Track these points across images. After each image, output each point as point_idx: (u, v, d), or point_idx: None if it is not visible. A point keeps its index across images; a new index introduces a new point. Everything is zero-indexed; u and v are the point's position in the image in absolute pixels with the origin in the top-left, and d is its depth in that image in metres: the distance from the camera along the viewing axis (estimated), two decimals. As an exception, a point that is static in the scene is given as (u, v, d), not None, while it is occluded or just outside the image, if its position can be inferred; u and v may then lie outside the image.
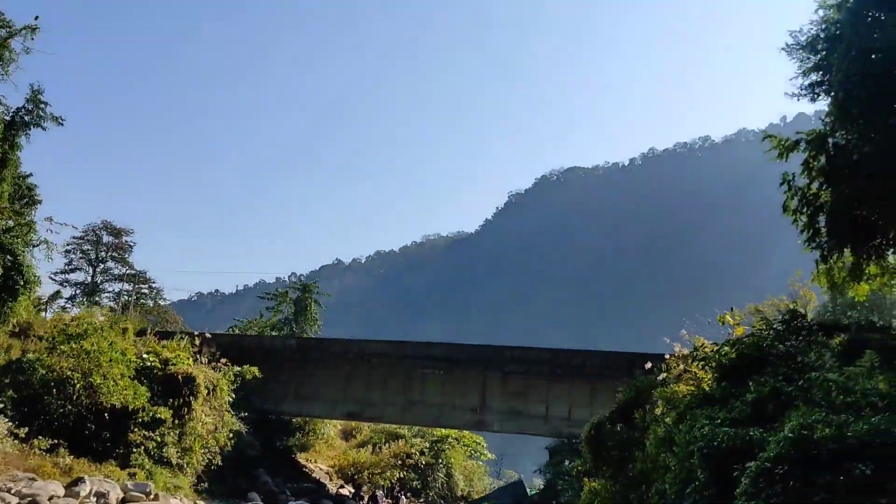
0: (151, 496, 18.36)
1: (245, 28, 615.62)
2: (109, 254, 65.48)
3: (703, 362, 13.64)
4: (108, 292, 65.72)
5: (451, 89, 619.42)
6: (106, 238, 64.74)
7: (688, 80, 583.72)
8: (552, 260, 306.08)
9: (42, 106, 33.67)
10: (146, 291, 67.14)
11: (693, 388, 12.96)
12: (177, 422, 23.39)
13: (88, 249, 64.27)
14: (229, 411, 27.10)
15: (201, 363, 28.74)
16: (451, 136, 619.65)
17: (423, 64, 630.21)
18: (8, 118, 31.94)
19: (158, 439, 22.37)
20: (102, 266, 65.58)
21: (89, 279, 64.39)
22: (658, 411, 13.62)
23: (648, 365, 18.54)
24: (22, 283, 23.03)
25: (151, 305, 66.06)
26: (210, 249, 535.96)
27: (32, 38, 30.48)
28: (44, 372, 21.22)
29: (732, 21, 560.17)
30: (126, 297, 65.08)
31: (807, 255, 16.80)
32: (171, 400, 23.59)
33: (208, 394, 25.17)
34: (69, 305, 57.96)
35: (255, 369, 29.30)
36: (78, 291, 62.54)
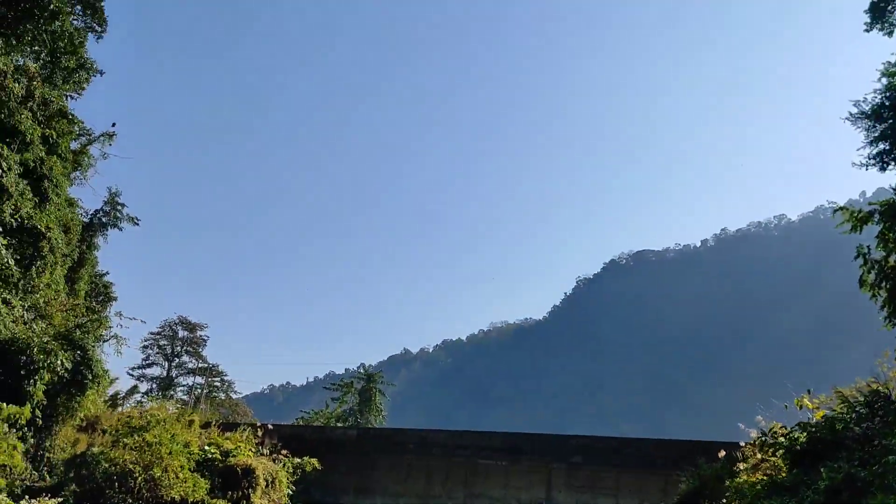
0: None
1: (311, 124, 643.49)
2: (184, 348, 67.53)
3: (772, 448, 12.94)
4: (183, 386, 67.49)
5: (517, 172, 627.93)
6: (181, 333, 66.90)
7: (761, 156, 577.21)
8: (623, 345, 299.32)
9: (119, 207, 35.73)
10: (218, 384, 68.68)
11: (764, 477, 12.27)
12: (236, 516, 23.30)
13: (165, 344, 66.54)
14: (288, 504, 26.92)
15: (263, 455, 28.84)
16: (518, 222, 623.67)
17: (491, 149, 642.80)
18: (86, 220, 33.88)
19: (218, 535, 22.29)
20: (177, 360, 67.59)
21: (165, 373, 66.34)
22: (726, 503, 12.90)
23: (722, 453, 17.70)
24: (90, 378, 23.73)
25: (223, 398, 67.34)
26: (281, 342, 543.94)
27: (110, 144, 32.64)
28: (106, 465, 21.58)
29: (804, 95, 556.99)
30: (199, 391, 66.55)
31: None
32: (230, 493, 23.58)
33: (267, 486, 25.07)
34: (144, 400, 59.56)
35: (314, 461, 29.17)
36: (154, 385, 64.48)
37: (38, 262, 24.32)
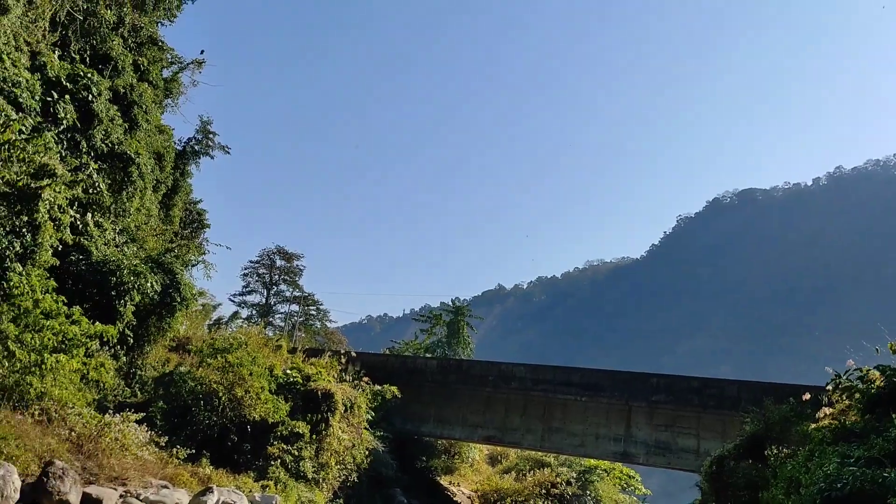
0: (277, 508, 18.71)
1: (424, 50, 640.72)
2: (282, 277, 69.52)
3: (846, 392, 11.80)
4: (280, 313, 69.75)
5: (617, 106, 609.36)
6: (279, 262, 68.81)
7: (881, 88, 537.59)
8: (723, 287, 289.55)
9: (210, 136, 36.40)
10: (314, 313, 70.58)
11: (834, 422, 11.25)
12: (314, 437, 23.88)
13: (263, 273, 68.61)
14: (367, 429, 27.46)
15: (344, 381, 29.44)
16: (619, 158, 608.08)
17: (590, 79, 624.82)
18: (179, 148, 34.69)
19: (296, 453, 22.91)
20: (275, 289, 69.73)
21: (264, 300, 68.73)
22: (793, 448, 11.97)
23: (807, 396, 16.59)
24: (179, 300, 24.48)
25: (318, 327, 69.36)
26: (379, 275, 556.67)
27: (200, 72, 33.05)
28: (192, 384, 22.41)
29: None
30: (295, 318, 68.80)
31: None
32: (309, 415, 24.18)
33: (346, 411, 25.60)
34: (245, 325, 62.11)
35: (394, 389, 29.59)
36: (254, 312, 66.87)
37: (129, 187, 25.01)
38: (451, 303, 63.10)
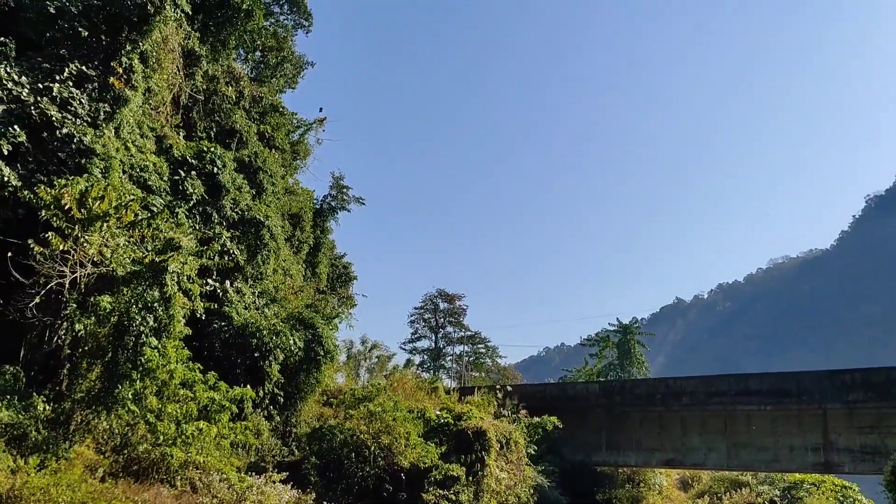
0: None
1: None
2: (447, 319, 69.87)
3: None
4: (451, 355, 69.99)
5: (787, 82, 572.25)
6: (441, 305, 69.28)
7: None
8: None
9: (344, 190, 37.08)
10: (483, 350, 70.20)
11: None
12: (471, 479, 22.82)
13: (429, 317, 69.35)
14: (529, 465, 25.99)
15: (503, 417, 28.26)
16: (787, 139, 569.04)
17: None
18: (317, 206, 35.58)
19: (453, 497, 21.93)
20: (442, 332, 70.20)
21: (433, 345, 69.33)
22: None
23: None
24: (322, 354, 24.53)
25: (490, 364, 68.78)
26: (553, 303, 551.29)
27: (323, 130, 33.86)
28: (341, 437, 22.14)
29: None
30: (466, 358, 68.73)
31: None
32: (463, 456, 23.17)
33: (502, 448, 24.36)
34: (420, 371, 62.82)
35: (553, 419, 28.01)
36: (426, 357, 67.60)
37: (263, 250, 25.57)
38: (617, 322, 60.30)
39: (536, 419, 28.28)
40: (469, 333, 69.08)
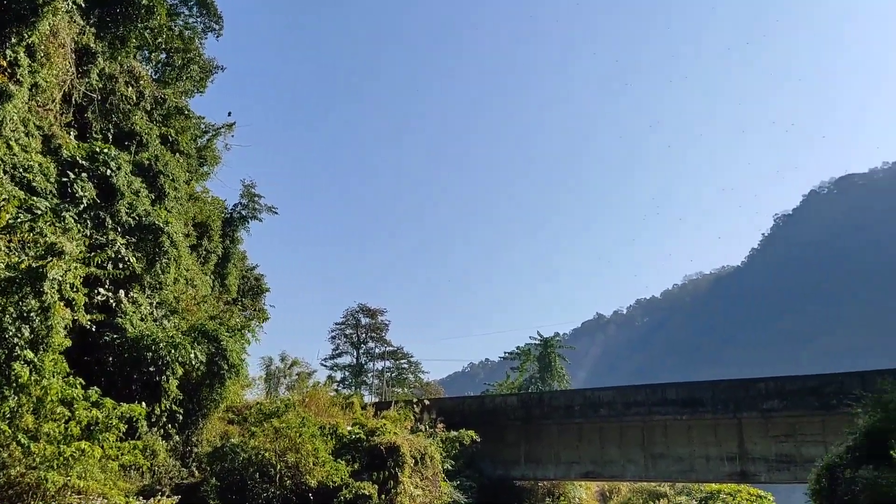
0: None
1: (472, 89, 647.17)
2: (368, 334, 68.43)
3: None
4: (373, 371, 68.54)
5: (705, 103, 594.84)
6: (364, 320, 67.83)
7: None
8: (839, 281, 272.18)
9: (256, 198, 35.57)
10: (405, 366, 69.05)
11: None
12: (383, 497, 21.69)
13: (350, 333, 67.77)
14: (445, 480, 25.04)
15: (419, 431, 27.29)
16: (709, 163, 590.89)
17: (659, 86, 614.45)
18: (226, 215, 33.96)
19: (365, 518, 20.75)
20: (364, 347, 68.69)
21: (354, 360, 67.72)
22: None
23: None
24: (227, 368, 23.07)
25: (412, 379, 67.67)
26: (478, 319, 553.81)
27: (232, 135, 32.39)
28: (245, 456, 20.74)
29: None
30: (388, 374, 67.45)
31: None
32: (375, 473, 22.05)
33: (416, 464, 23.34)
34: (341, 388, 61.15)
35: (471, 433, 27.21)
36: (347, 373, 65.97)
37: (162, 259, 23.92)
38: (538, 336, 60.22)
39: (454, 433, 27.43)
40: (391, 349, 67.98)
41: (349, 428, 23.81)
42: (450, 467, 26.04)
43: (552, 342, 58.52)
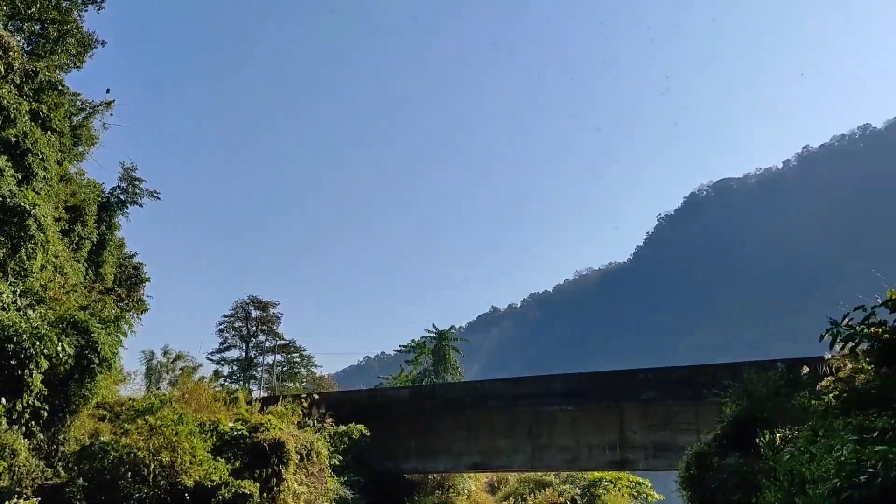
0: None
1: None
2: (259, 327, 66.38)
3: (849, 341, 8.52)
4: (263, 365, 66.55)
5: (593, 110, 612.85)
6: (254, 312, 65.73)
7: (836, 67, 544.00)
8: (714, 279, 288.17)
9: (136, 182, 33.72)
10: (297, 360, 67.46)
11: (841, 386, 8.34)
12: (266, 495, 21.02)
13: (240, 326, 65.51)
14: (332, 476, 24.56)
15: (307, 427, 26.65)
16: (598, 162, 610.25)
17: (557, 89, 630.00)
18: (103, 199, 32.04)
19: (244, 518, 20.04)
20: (254, 340, 66.59)
21: (244, 354, 65.58)
22: (792, 429, 9.16)
23: (806, 369, 13.95)
24: (97, 362, 21.71)
25: (304, 373, 66.22)
26: (373, 313, 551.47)
27: (111, 114, 30.60)
28: (115, 454, 19.59)
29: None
30: (278, 368, 65.69)
31: None
32: (258, 471, 21.32)
33: (302, 460, 22.75)
34: (228, 383, 59.00)
35: (360, 427, 26.82)
36: (236, 368, 63.77)
37: (28, 243, 22.28)
38: (434, 329, 60.29)
39: (343, 428, 26.94)
40: (283, 342, 66.20)
41: (231, 424, 22.91)
42: (337, 462, 25.55)
43: (447, 335, 58.73)
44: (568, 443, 27.59)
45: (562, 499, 35.71)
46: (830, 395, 8.03)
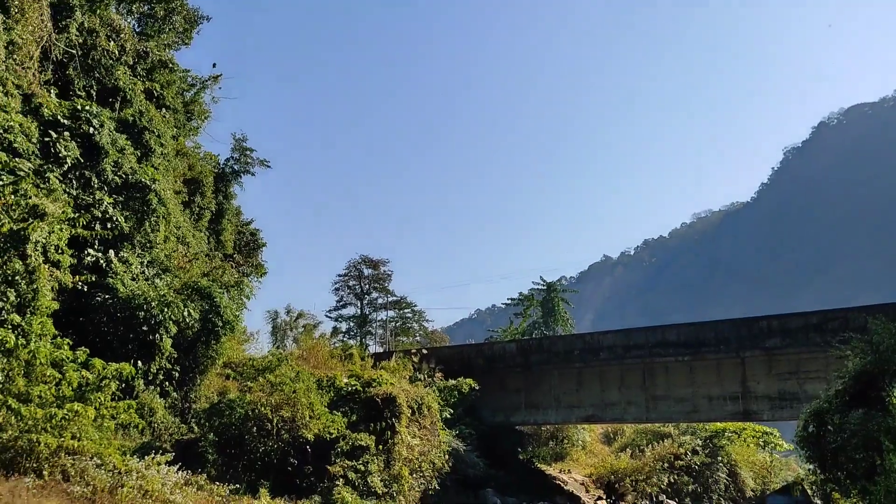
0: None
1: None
2: (372, 285, 68.31)
3: None
4: (377, 321, 68.65)
5: (705, 39, 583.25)
6: (366, 271, 67.66)
7: None
8: (848, 214, 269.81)
9: (248, 152, 35.00)
10: (409, 315, 69.09)
11: None
12: (381, 447, 21.75)
13: (354, 284, 67.69)
14: (444, 429, 25.10)
15: (418, 381, 27.28)
16: (710, 96, 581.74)
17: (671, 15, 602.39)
18: (218, 171, 33.48)
19: (362, 468, 20.79)
20: (368, 298, 68.63)
21: (359, 311, 67.83)
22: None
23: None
24: (221, 325, 22.97)
25: (417, 328, 67.80)
26: (483, 266, 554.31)
27: (219, 87, 31.69)
28: (242, 411, 20.74)
29: None
30: (392, 324, 67.56)
31: None
32: (373, 425, 22.06)
33: (414, 413, 23.34)
34: (346, 339, 61.35)
35: (469, 381, 27.19)
36: (352, 324, 66.14)
37: (151, 217, 23.63)
38: (541, 280, 59.96)
39: (452, 382, 27.42)
40: (394, 299, 67.87)
41: (345, 380, 23.75)
42: (449, 416, 26.10)
43: (555, 286, 58.28)
44: (685, 394, 26.96)
45: (682, 450, 35.06)
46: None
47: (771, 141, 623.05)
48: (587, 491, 32.81)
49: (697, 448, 35.98)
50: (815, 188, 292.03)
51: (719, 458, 36.76)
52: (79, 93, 25.15)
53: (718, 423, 36.15)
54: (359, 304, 68.03)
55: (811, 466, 11.18)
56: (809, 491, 25.75)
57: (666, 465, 34.01)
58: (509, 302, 61.55)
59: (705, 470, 35.83)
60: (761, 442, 41.28)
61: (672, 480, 33.80)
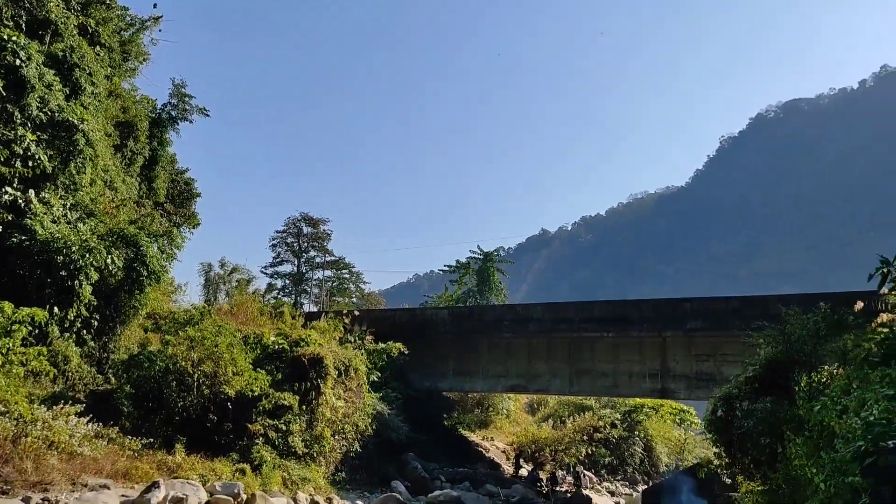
0: (241, 498, 16.30)
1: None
2: (310, 244, 67.40)
3: None
4: (314, 280, 67.91)
5: (653, 26, 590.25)
6: (305, 229, 66.65)
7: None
8: (776, 206, 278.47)
9: (186, 99, 33.73)
10: (347, 276, 68.60)
11: (885, 331, 7.64)
12: (304, 408, 21.56)
13: (292, 241, 66.68)
14: (370, 392, 25.04)
15: (348, 343, 27.10)
16: (658, 81, 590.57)
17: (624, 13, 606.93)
18: (154, 116, 32.21)
19: (283, 428, 20.59)
20: (305, 256, 67.75)
21: (295, 269, 66.89)
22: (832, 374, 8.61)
23: (860, 305, 13.27)
24: (146, 275, 22.24)
25: (353, 290, 67.45)
26: (418, 232, 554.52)
27: (159, 30, 30.38)
28: (162, 364, 20.21)
29: None
30: (329, 284, 66.95)
31: None
32: (297, 384, 21.84)
33: (340, 375, 23.19)
34: (281, 296, 60.52)
35: (399, 345, 27.16)
36: (288, 282, 65.25)
37: (76, 158, 22.56)
38: (479, 249, 60.25)
39: (382, 345, 27.34)
40: (333, 259, 67.25)
41: (272, 338, 23.39)
42: (376, 378, 26.05)
43: (492, 256, 58.62)
44: (608, 369, 27.54)
45: (601, 423, 35.96)
46: (871, 343, 7.36)
47: (712, 129, 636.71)
48: (508, 459, 33.43)
49: (616, 422, 36.98)
50: (748, 178, 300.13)
51: (636, 433, 37.91)
52: (6, 22, 23.66)
53: (638, 399, 37.19)
54: (296, 262, 67.19)
55: (717, 450, 11.49)
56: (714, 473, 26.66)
57: (585, 436, 34.87)
58: (446, 269, 61.70)
59: (622, 443, 36.93)
60: (678, 419, 42.66)
61: (590, 452, 34.71)
